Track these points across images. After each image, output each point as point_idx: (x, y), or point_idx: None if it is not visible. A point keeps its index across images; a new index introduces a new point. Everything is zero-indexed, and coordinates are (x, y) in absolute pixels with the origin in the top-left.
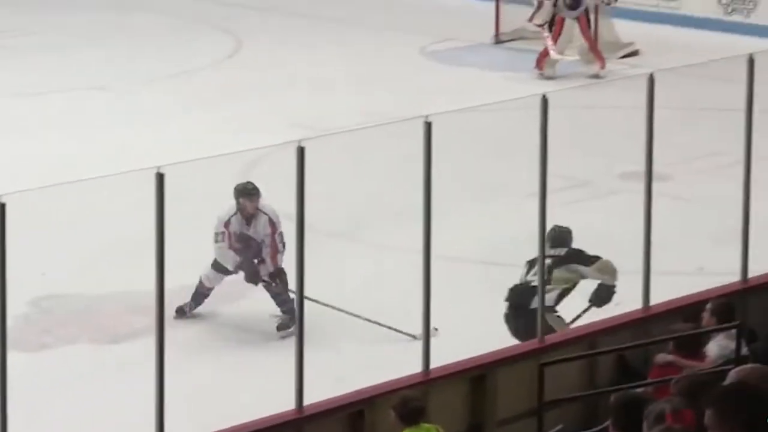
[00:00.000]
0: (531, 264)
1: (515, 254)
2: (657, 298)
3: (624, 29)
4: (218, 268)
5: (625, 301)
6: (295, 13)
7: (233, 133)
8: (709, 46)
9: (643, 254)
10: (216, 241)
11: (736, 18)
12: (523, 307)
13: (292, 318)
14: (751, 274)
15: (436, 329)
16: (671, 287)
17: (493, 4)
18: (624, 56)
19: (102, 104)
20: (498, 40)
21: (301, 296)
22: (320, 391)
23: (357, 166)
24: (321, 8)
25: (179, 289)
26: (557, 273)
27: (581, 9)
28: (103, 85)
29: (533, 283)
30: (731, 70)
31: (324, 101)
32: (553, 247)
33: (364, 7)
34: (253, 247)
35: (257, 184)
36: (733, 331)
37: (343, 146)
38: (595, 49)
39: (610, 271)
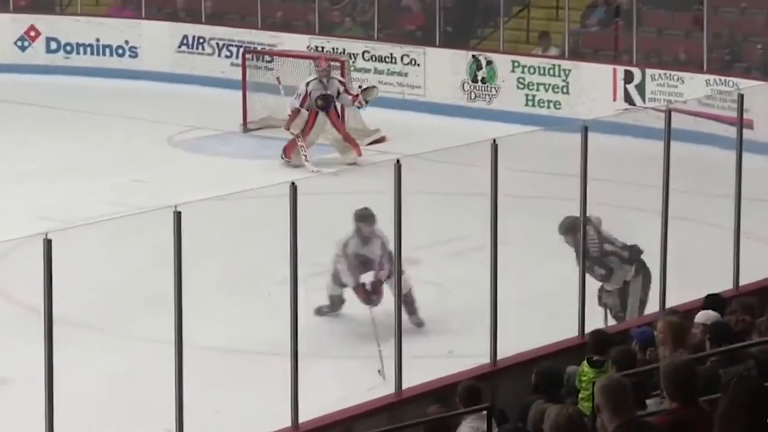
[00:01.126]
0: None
1: (267, 342)
2: (409, 381)
3: (370, 116)
4: (338, 282)
5: (379, 386)
6: (37, 104)
7: None
8: (453, 131)
9: (395, 339)
10: (336, 263)
11: (479, 104)
12: None
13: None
14: (500, 356)
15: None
16: (423, 371)
17: (240, 94)
18: (371, 143)
19: None
20: (246, 128)
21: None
22: None
23: (108, 256)
24: (65, 99)
25: None
26: None
27: (332, 106)
28: None
29: None
30: (475, 154)
31: (71, 192)
32: None
33: (110, 98)
34: (369, 265)
35: (4, 278)
36: (484, 412)
37: (93, 237)
38: (348, 138)
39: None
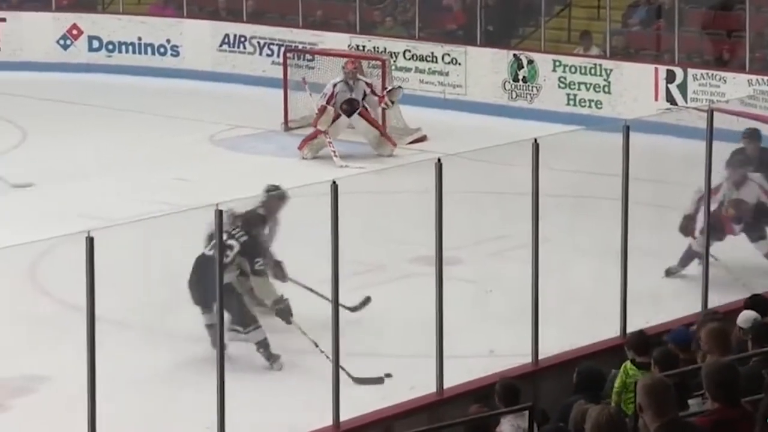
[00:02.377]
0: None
1: (309, 341)
2: (450, 381)
3: (411, 116)
4: None
5: (420, 385)
6: (79, 103)
7: (20, 224)
8: (494, 130)
9: (435, 338)
10: None
11: (520, 103)
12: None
13: None
14: (541, 356)
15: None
16: (464, 370)
17: (281, 92)
18: (412, 142)
19: None
20: (287, 127)
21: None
22: None
23: (149, 254)
24: (107, 98)
25: None
26: None
27: (357, 111)
28: None
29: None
30: (516, 154)
31: (112, 190)
32: None
33: (151, 96)
34: None
35: (46, 276)
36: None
37: (134, 235)
38: (385, 134)
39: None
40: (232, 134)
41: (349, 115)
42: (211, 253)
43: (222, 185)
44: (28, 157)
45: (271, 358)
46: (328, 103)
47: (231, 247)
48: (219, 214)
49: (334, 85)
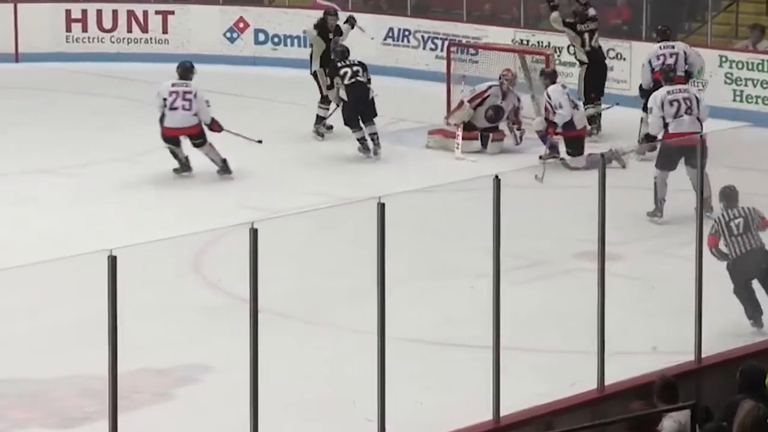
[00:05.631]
0: None
1: (468, 335)
2: (612, 378)
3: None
4: None
5: (581, 381)
6: (245, 95)
7: (183, 216)
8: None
9: (597, 334)
10: None
11: None
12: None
13: None
14: (704, 354)
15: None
16: (626, 367)
17: (444, 86)
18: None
19: (47, 186)
20: (453, 124)
21: None
22: None
23: (311, 247)
24: (273, 90)
25: (132, 373)
26: None
27: (503, 119)
28: (48, 167)
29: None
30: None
31: (275, 182)
32: None
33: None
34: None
35: (210, 267)
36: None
37: (297, 227)
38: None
39: None
40: (395, 128)
41: (491, 122)
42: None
43: (384, 178)
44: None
45: None
46: (472, 101)
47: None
48: (381, 207)
49: (489, 87)
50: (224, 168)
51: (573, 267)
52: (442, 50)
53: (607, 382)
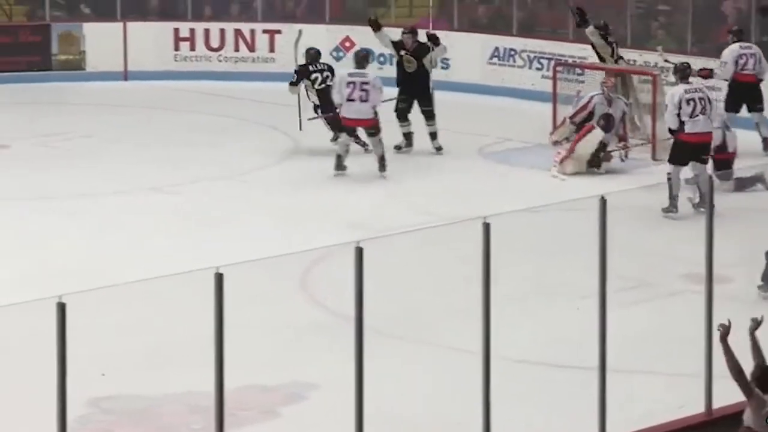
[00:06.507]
0: None
1: (574, 355)
2: (720, 401)
3: None
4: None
5: (689, 404)
6: None
7: (289, 234)
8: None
9: (704, 357)
10: None
11: None
12: None
13: None
14: None
15: None
16: (734, 390)
17: (550, 106)
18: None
19: (156, 205)
20: (555, 141)
21: None
22: None
23: (416, 266)
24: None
25: (239, 389)
26: None
27: (615, 128)
28: (156, 186)
29: None
30: None
31: (381, 201)
32: None
33: None
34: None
35: (316, 284)
36: None
37: (402, 246)
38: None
39: None
40: (500, 147)
41: (605, 131)
42: None
43: (489, 198)
44: (298, 165)
45: None
46: (573, 117)
47: None
48: (486, 227)
49: (591, 97)
50: (381, 165)
51: (680, 288)
52: (548, 70)
53: (715, 405)
